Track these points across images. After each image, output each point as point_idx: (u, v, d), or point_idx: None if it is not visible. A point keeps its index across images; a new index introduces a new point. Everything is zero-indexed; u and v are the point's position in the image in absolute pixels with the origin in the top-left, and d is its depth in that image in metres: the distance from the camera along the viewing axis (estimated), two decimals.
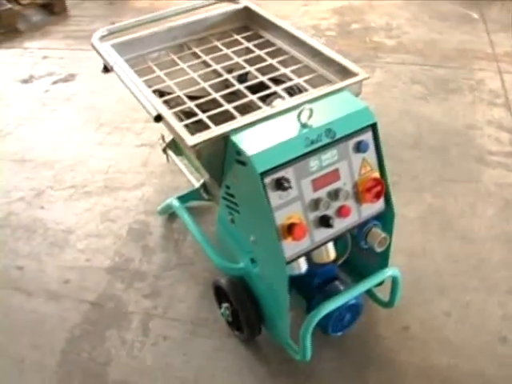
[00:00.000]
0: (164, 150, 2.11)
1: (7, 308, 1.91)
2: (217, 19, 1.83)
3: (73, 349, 1.76)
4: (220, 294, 1.69)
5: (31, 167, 2.54)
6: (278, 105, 1.39)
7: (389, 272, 1.55)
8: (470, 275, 1.86)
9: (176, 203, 1.96)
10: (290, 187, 1.26)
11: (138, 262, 2.02)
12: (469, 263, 1.89)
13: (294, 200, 1.29)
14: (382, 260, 1.58)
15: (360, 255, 1.62)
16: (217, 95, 1.52)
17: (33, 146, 2.66)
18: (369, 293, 1.72)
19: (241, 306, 1.58)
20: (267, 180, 1.24)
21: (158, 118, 1.38)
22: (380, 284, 1.66)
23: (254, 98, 1.48)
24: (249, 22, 1.85)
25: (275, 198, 1.26)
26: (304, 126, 1.28)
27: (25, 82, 3.20)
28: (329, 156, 1.31)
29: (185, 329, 1.78)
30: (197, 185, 1.97)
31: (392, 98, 2.71)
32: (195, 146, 1.28)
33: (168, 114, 1.39)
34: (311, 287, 1.56)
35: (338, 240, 1.62)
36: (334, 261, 1.60)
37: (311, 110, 1.27)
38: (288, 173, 1.26)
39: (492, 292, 1.80)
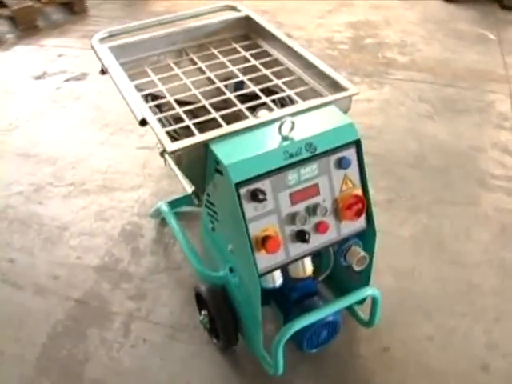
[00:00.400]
0: (161, 154, 2.12)
1: None
2: (217, 27, 1.83)
3: (53, 344, 1.77)
4: (200, 301, 1.68)
5: (34, 162, 2.57)
6: (263, 115, 1.38)
7: (368, 291, 1.52)
8: (457, 300, 1.82)
9: (165, 208, 1.97)
10: (265, 199, 1.25)
11: (127, 264, 2.03)
12: (458, 288, 1.86)
13: (270, 212, 1.29)
14: (364, 278, 1.56)
15: (343, 272, 1.60)
16: (206, 102, 1.52)
17: (38, 141, 2.70)
18: (350, 311, 1.70)
19: (218, 315, 1.57)
20: (242, 191, 1.24)
21: (143, 122, 1.39)
22: (361, 302, 1.65)
23: (242, 107, 1.48)
24: (249, 31, 1.85)
25: (250, 209, 1.26)
26: (284, 138, 1.27)
27: (38, 78, 3.25)
28: (308, 170, 1.30)
29: (165, 333, 1.78)
30: (189, 190, 1.98)
31: (398, 115, 2.68)
32: (174, 152, 1.28)
33: (153, 118, 1.40)
34: (289, 301, 1.55)
35: (321, 256, 1.62)
36: (315, 277, 1.60)
37: (293, 123, 1.26)
38: (264, 185, 1.26)
39: (479, 319, 1.76)
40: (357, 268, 1.46)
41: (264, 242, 1.27)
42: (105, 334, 1.79)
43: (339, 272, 1.61)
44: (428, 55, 3.14)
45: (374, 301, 1.55)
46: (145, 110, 1.43)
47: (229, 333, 1.59)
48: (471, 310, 1.78)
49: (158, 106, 1.63)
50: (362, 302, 1.64)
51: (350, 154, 1.34)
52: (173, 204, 2.00)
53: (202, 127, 1.42)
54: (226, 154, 1.26)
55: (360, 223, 1.43)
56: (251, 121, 1.35)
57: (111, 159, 2.55)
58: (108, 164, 2.52)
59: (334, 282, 1.72)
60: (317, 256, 1.63)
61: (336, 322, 1.53)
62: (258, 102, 1.53)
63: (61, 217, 2.26)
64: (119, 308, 1.87)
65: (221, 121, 1.43)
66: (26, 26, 3.80)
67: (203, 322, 1.67)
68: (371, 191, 2.20)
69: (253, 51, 1.76)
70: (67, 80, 3.20)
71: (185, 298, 1.86)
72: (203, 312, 1.66)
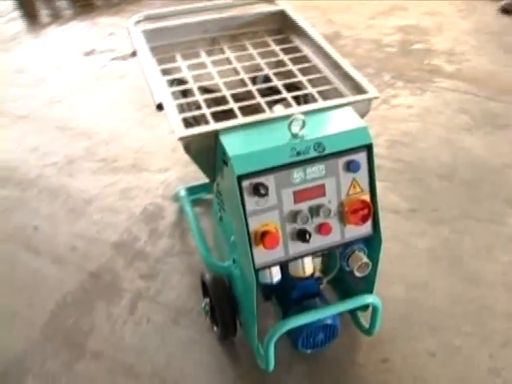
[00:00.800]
0: None
1: (14, 263, 2.02)
2: (252, 18, 1.83)
3: (62, 313, 1.84)
4: (204, 288, 1.70)
5: (70, 135, 2.65)
6: (278, 111, 1.38)
7: (368, 299, 1.50)
8: (467, 319, 1.77)
9: (182, 193, 1.99)
10: (267, 194, 1.25)
11: (144, 243, 2.07)
12: (469, 307, 1.80)
13: (271, 208, 1.28)
14: (367, 285, 1.54)
15: (349, 277, 1.58)
16: (227, 93, 1.53)
17: (77, 115, 2.79)
18: (352, 317, 1.69)
19: (218, 304, 1.59)
20: (245, 184, 1.24)
21: (160, 107, 1.41)
22: (364, 309, 1.63)
23: (261, 101, 1.48)
24: (283, 26, 1.84)
25: (251, 202, 1.26)
26: (294, 136, 1.27)
27: (87, 54, 3.35)
28: (315, 170, 1.29)
29: (169, 315, 1.81)
30: None
31: (435, 124, 2.61)
32: (182, 138, 1.30)
33: (170, 103, 1.42)
34: (289, 299, 1.55)
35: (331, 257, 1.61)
36: (319, 278, 1.59)
37: (303, 121, 1.25)
38: (268, 180, 1.25)
39: (486, 341, 1.70)
40: (358, 274, 1.44)
41: (263, 237, 1.27)
42: (112, 308, 1.84)
43: (346, 276, 1.59)
44: (475, 66, 3.04)
45: (375, 309, 1.53)
46: (165, 94, 1.45)
47: (227, 323, 1.60)
48: (479, 332, 1.73)
49: (185, 93, 1.65)
50: (365, 309, 1.62)
51: (361, 158, 1.32)
52: (192, 190, 2.02)
53: (223, 117, 1.43)
54: (232, 145, 1.26)
55: (366, 229, 1.40)
56: (263, 115, 1.35)
57: (144, 140, 2.60)
58: (141, 144, 2.57)
59: (341, 286, 1.71)
60: (326, 256, 1.63)
61: (334, 326, 1.52)
62: (279, 96, 1.52)
63: (88, 190, 2.32)
64: (129, 285, 1.92)
65: (237, 112, 1.43)
66: (84, 3, 3.92)
67: (205, 309, 1.69)
68: (396, 198, 2.21)
69: (284, 46, 1.75)
70: (114, 59, 3.27)
71: (193, 283, 1.89)
72: (206, 299, 1.68)
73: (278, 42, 1.77)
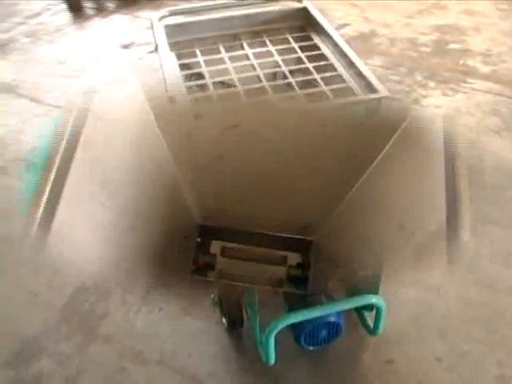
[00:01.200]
0: None
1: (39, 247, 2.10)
2: (274, 15, 1.85)
3: (79, 297, 1.89)
4: None
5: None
6: None
7: (371, 299, 1.50)
8: (478, 325, 1.73)
9: None
10: None
11: None
12: (481, 312, 1.77)
13: None
14: (373, 285, 1.53)
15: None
16: (240, 88, 1.55)
17: (109, 107, 2.85)
18: (359, 316, 1.68)
19: (224, 295, 1.62)
20: None
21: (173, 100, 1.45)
22: (369, 309, 1.62)
23: (272, 97, 1.50)
24: (305, 23, 1.85)
25: None
26: None
27: (125, 47, 3.43)
28: None
29: (180, 305, 1.84)
30: None
31: (464, 126, 2.56)
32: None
33: (183, 97, 1.45)
34: (294, 295, 1.56)
35: None
36: None
37: None
38: None
39: (495, 348, 1.67)
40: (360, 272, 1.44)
41: None
42: (127, 296, 1.89)
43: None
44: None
45: (378, 310, 1.53)
46: (179, 88, 1.49)
47: (233, 315, 1.64)
48: (490, 338, 1.70)
49: (202, 87, 1.68)
50: (370, 308, 1.61)
51: None
52: None
53: None
54: None
55: None
56: None
57: None
58: None
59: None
60: None
61: (337, 324, 1.52)
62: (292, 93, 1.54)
63: None
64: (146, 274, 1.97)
65: None
66: None
67: (213, 300, 1.72)
68: None
69: (303, 43, 1.76)
70: (151, 52, 3.34)
71: None
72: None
73: (298, 40, 1.79)
